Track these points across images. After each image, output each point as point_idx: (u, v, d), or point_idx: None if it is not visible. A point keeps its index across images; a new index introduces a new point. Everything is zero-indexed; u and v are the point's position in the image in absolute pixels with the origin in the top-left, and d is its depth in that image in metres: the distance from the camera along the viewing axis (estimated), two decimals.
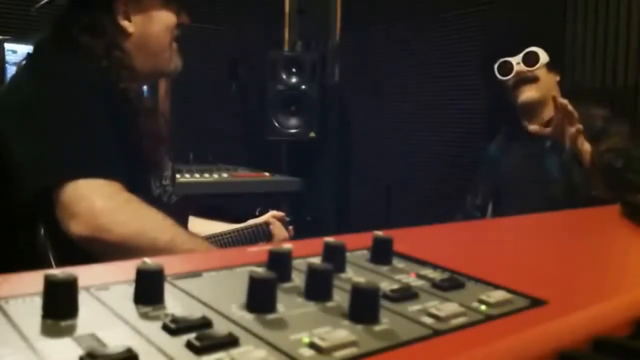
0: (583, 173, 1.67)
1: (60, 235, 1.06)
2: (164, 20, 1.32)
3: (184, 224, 1.37)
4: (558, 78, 1.97)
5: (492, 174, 2.07)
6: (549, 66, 1.93)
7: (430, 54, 2.87)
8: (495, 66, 1.97)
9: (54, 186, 1.05)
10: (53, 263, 1.09)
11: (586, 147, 1.64)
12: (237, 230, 1.52)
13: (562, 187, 1.81)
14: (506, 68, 1.95)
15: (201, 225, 1.50)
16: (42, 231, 1.11)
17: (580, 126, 1.61)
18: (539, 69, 1.91)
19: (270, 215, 1.59)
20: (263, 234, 1.54)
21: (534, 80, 1.92)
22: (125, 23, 1.27)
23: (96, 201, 1.04)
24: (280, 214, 1.61)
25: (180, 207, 1.44)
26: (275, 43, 3.56)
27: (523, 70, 1.92)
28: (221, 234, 1.48)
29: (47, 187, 1.06)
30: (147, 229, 1.07)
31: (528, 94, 1.92)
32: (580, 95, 2.01)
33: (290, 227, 1.62)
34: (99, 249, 1.04)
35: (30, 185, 1.08)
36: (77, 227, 1.03)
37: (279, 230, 1.57)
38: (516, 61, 1.92)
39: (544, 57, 1.91)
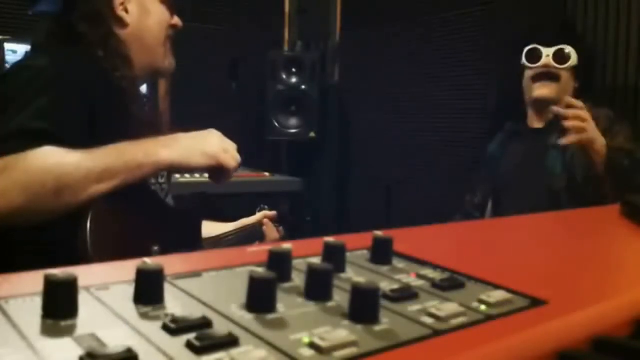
0: (594, 176, 1.65)
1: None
2: (159, 15, 1.36)
3: (198, 229, 1.36)
4: (577, 85, 1.94)
5: (493, 173, 2.07)
6: (574, 71, 1.90)
7: (430, 54, 2.87)
8: (525, 50, 1.93)
9: None
10: None
11: (598, 146, 1.60)
12: (235, 232, 1.51)
13: (564, 185, 1.81)
14: (535, 56, 1.91)
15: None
16: None
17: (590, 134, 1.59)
18: (565, 70, 1.89)
19: (262, 216, 1.59)
20: (257, 234, 1.55)
21: (556, 78, 1.89)
22: (122, 14, 1.30)
23: None
24: (271, 213, 1.61)
25: (194, 212, 1.43)
26: (275, 43, 3.56)
27: (550, 64, 1.89)
28: (220, 238, 1.48)
29: None
30: (25, 187, 0.99)
31: (544, 90, 1.90)
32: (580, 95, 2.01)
33: (280, 228, 1.62)
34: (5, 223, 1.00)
35: None
36: None
37: (271, 230, 1.58)
38: (547, 53, 1.89)
39: (574, 59, 1.88)
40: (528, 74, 1.94)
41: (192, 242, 1.29)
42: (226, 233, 1.50)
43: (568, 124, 1.58)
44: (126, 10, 1.31)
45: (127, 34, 1.31)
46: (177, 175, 2.57)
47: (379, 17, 3.19)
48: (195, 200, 1.73)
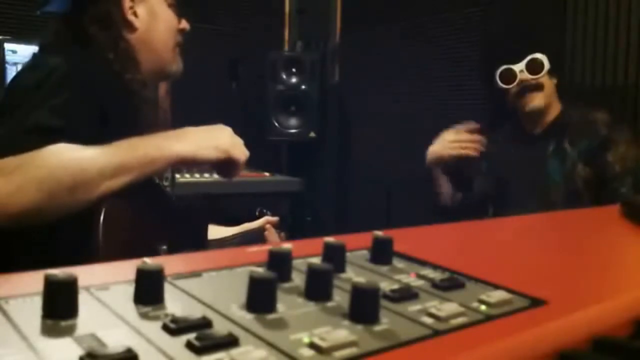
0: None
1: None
2: (168, 20, 1.37)
3: (204, 230, 1.37)
4: (555, 81, 1.92)
5: (492, 173, 2.06)
6: (550, 72, 1.89)
7: (430, 54, 2.87)
8: (497, 74, 1.89)
9: None
10: None
11: None
12: (239, 235, 1.52)
13: (563, 192, 1.81)
14: (509, 76, 1.88)
15: None
16: None
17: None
18: (543, 77, 1.86)
19: (264, 221, 1.60)
20: (259, 239, 1.55)
21: (539, 88, 1.86)
22: (132, 18, 1.31)
23: None
24: (274, 219, 1.62)
25: (197, 213, 1.44)
26: (275, 43, 3.56)
27: (527, 78, 1.85)
28: (223, 240, 1.49)
29: None
30: (41, 183, 0.99)
31: (536, 102, 1.86)
32: (579, 94, 2.00)
33: (282, 234, 1.63)
34: (13, 224, 1.00)
35: None
36: None
37: (273, 236, 1.59)
38: (519, 69, 1.86)
39: (547, 63, 1.86)
40: (510, 92, 1.90)
41: (198, 242, 1.30)
42: (230, 236, 1.50)
43: None
44: (135, 14, 1.31)
45: (135, 38, 1.31)
46: (177, 175, 2.57)
47: (379, 17, 3.19)
48: (202, 201, 1.72)
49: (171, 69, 1.40)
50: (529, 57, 1.86)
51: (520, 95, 1.89)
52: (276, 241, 1.59)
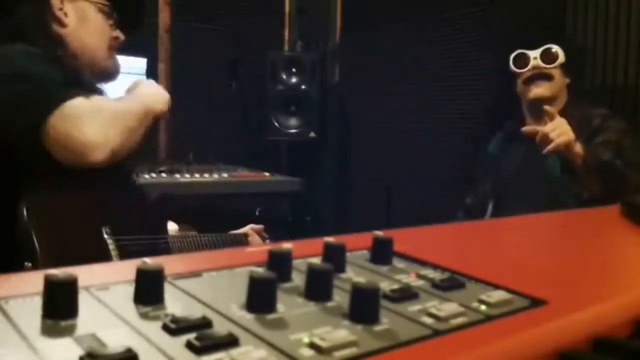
0: (576, 175, 1.68)
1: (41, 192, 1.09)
2: (98, 24, 1.39)
3: (163, 222, 1.41)
4: (568, 81, 1.96)
5: (492, 173, 2.07)
6: (564, 68, 1.92)
7: (430, 54, 2.87)
8: (512, 57, 1.96)
9: (42, 120, 1.10)
10: (34, 237, 1.07)
11: (578, 149, 1.65)
12: (215, 235, 1.53)
13: (563, 187, 1.81)
14: (522, 60, 1.94)
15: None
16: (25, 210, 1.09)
17: (566, 137, 1.63)
18: (555, 68, 1.91)
19: (248, 228, 1.63)
20: (240, 244, 1.57)
21: (548, 77, 1.91)
22: (61, 15, 1.34)
23: (83, 127, 1.12)
24: (258, 227, 1.64)
25: (159, 205, 1.45)
26: (275, 43, 3.56)
27: (539, 65, 1.91)
28: (198, 235, 1.50)
29: (35, 124, 1.11)
30: (122, 125, 1.20)
31: (540, 90, 1.91)
32: (579, 93, 2.01)
33: (267, 241, 1.64)
34: (112, 162, 1.16)
35: (17, 124, 1.11)
36: (95, 157, 1.12)
37: (256, 242, 1.60)
38: (533, 55, 1.91)
39: (561, 56, 1.90)
40: (520, 79, 1.96)
41: (156, 230, 1.30)
42: (205, 234, 1.51)
43: (552, 134, 1.64)
44: (65, 14, 1.34)
45: (66, 33, 1.33)
46: (177, 175, 2.57)
47: (379, 17, 3.19)
48: (165, 197, 1.72)
49: (107, 65, 1.42)
50: (545, 46, 1.91)
51: (529, 81, 1.93)
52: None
